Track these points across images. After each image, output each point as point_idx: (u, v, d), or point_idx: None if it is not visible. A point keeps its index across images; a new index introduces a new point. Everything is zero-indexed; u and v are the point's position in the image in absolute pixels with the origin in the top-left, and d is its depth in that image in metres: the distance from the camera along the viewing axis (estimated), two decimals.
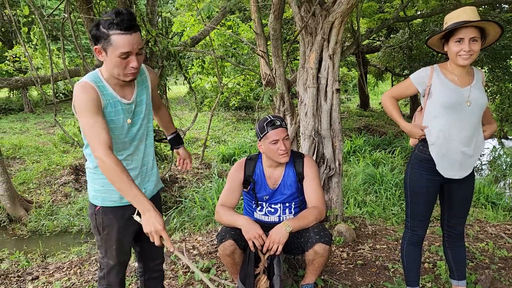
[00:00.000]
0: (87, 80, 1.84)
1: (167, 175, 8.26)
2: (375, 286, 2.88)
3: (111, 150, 1.75)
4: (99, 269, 2.18)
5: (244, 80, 11.19)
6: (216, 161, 9.72)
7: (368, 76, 18.15)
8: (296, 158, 2.66)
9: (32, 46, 6.56)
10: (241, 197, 2.80)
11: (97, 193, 2.02)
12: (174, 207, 6.77)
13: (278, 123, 2.53)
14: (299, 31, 3.89)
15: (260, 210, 2.70)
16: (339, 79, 3.91)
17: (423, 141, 2.40)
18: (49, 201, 7.39)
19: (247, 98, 12.05)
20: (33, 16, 5.90)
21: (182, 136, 8.61)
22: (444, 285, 2.84)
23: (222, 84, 9.66)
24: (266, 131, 2.51)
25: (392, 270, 3.11)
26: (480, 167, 9.57)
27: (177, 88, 18.68)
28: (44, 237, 6.50)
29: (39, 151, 10.40)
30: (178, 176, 8.71)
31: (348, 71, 19.88)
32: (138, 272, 2.39)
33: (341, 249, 3.52)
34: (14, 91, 17.37)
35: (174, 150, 2.52)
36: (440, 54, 2.41)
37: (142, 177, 2.09)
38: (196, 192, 7.36)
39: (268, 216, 2.69)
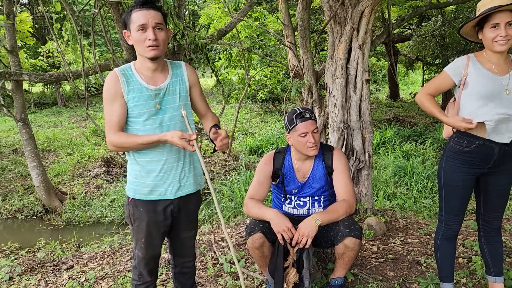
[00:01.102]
0: (115, 69, 1.97)
1: None
2: (407, 281, 2.82)
3: (116, 130, 1.95)
4: (132, 258, 2.22)
5: (271, 72, 11.13)
6: (244, 153, 9.75)
7: (398, 65, 17.71)
8: (325, 151, 2.62)
9: (64, 42, 6.70)
10: (270, 190, 2.79)
11: (130, 184, 2.07)
12: (203, 199, 6.83)
13: (308, 115, 2.49)
14: (327, 21, 3.81)
15: (289, 203, 2.68)
16: (368, 70, 3.82)
17: (458, 132, 2.32)
18: (82, 193, 7.61)
19: (275, 90, 11.98)
20: (65, 12, 6.03)
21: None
22: (480, 281, 2.76)
23: (249, 77, 9.64)
24: (295, 124, 2.48)
25: (424, 264, 3.03)
26: None
27: (204, 81, 18.82)
28: (78, 227, 6.71)
29: (72, 144, 10.71)
30: (206, 168, 8.78)
31: (377, 61, 19.46)
32: (170, 264, 2.42)
33: (371, 243, 3.46)
34: (48, 86, 17.90)
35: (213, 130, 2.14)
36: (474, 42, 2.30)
37: (178, 171, 2.07)
38: (223, 184, 7.41)
39: (297, 209, 2.67)
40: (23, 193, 7.73)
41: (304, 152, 2.51)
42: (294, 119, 2.49)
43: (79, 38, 5.80)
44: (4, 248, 5.51)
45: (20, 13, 8.44)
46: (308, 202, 2.65)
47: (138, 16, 1.89)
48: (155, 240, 2.12)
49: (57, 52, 13.14)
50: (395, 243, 3.45)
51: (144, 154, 2.01)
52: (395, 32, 12.84)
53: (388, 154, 8.91)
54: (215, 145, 2.01)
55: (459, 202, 2.39)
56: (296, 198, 2.66)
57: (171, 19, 7.37)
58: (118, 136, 1.93)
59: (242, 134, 11.62)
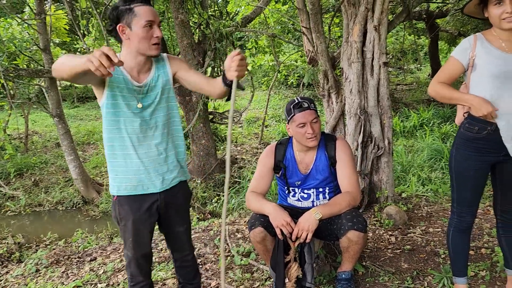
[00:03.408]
0: None
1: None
2: (421, 273, 2.69)
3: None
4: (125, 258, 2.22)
5: (301, 57, 10.92)
6: (276, 140, 9.67)
7: (439, 42, 16.84)
8: (328, 141, 2.53)
9: (93, 38, 6.87)
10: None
11: (113, 181, 2.03)
12: (231, 188, 6.86)
13: (306, 105, 2.40)
14: (340, 2, 3.66)
15: (293, 196, 2.61)
16: (386, 52, 3.64)
17: (470, 118, 2.15)
18: None
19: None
20: (90, 9, 6.17)
21: (239, 117, 8.47)
22: (500, 274, 2.58)
23: (278, 62, 9.52)
24: (293, 114, 2.40)
25: (443, 256, 2.88)
26: None
27: None
28: None
29: None
30: (237, 156, 8.82)
31: (417, 38, 18.59)
32: (172, 257, 2.42)
33: (389, 233, 3.34)
34: None
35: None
36: None
37: (160, 164, 2.03)
38: (253, 173, 7.40)
39: (301, 201, 2.60)
40: (64, 185, 8.10)
41: (303, 143, 2.43)
42: (292, 109, 2.41)
43: (104, 34, 5.92)
44: (44, 238, 5.80)
45: (55, 11, 8.74)
46: (312, 194, 2.57)
47: (145, 12, 1.85)
48: (143, 239, 2.07)
49: (83, 48, 13.47)
50: (415, 233, 3.31)
51: (122, 148, 1.98)
52: (432, 7, 12.17)
53: (425, 137, 8.58)
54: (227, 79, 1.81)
55: (472, 193, 2.23)
56: (300, 191, 2.58)
57: (195, 8, 7.36)
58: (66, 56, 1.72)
59: (276, 121, 11.53)
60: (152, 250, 2.26)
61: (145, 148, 1.99)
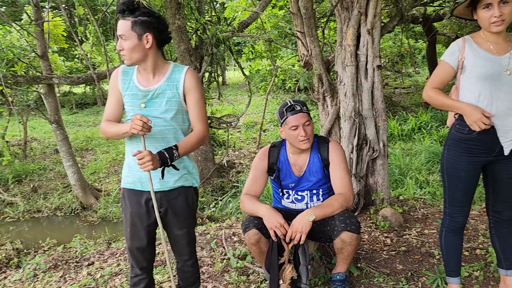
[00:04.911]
0: (122, 65, 2.16)
1: (224, 160, 8.40)
2: (416, 274, 2.71)
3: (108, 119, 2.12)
4: None
5: (298, 61, 10.96)
6: None
7: (437, 46, 16.92)
8: (321, 143, 2.55)
9: (90, 44, 6.91)
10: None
11: (123, 175, 2.17)
12: (229, 192, 6.88)
13: (298, 108, 2.43)
14: (334, 7, 3.69)
15: (287, 198, 2.63)
16: (380, 55, 3.67)
17: (460, 120, 2.17)
18: (116, 189, 7.87)
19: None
20: (88, 16, 6.21)
21: (236, 122, 8.46)
22: (494, 274, 2.60)
23: (275, 67, 9.56)
24: (286, 117, 2.43)
25: (437, 257, 2.90)
26: None
27: (238, 73, 18.85)
28: (112, 223, 6.95)
29: (109, 142, 11.08)
30: (235, 161, 8.84)
31: (415, 42, 18.69)
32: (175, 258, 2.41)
33: (385, 235, 3.35)
34: (89, 86, 18.55)
35: None
36: None
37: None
38: None
39: (295, 203, 2.62)
40: (62, 191, 8.10)
41: (296, 146, 2.45)
42: (285, 112, 2.43)
43: (102, 40, 5.97)
44: (43, 244, 5.80)
45: (53, 18, 8.79)
46: (306, 196, 2.59)
47: (118, 26, 1.99)
48: (139, 232, 2.13)
49: (81, 54, 13.49)
50: (411, 234, 3.32)
51: (129, 145, 2.11)
52: (430, 11, 12.24)
53: (423, 140, 8.61)
54: None
55: (463, 194, 2.25)
56: (293, 193, 2.60)
57: (192, 14, 7.40)
58: (106, 123, 2.10)
59: (273, 125, 11.56)
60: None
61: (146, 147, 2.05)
